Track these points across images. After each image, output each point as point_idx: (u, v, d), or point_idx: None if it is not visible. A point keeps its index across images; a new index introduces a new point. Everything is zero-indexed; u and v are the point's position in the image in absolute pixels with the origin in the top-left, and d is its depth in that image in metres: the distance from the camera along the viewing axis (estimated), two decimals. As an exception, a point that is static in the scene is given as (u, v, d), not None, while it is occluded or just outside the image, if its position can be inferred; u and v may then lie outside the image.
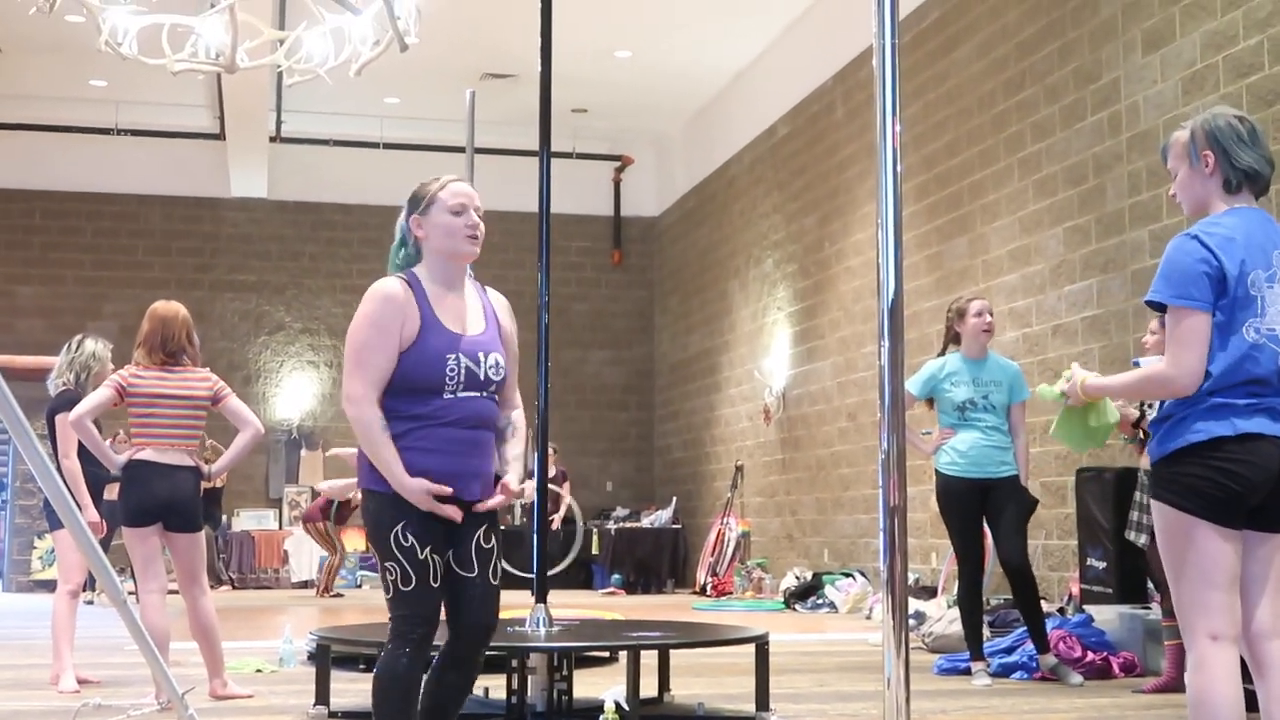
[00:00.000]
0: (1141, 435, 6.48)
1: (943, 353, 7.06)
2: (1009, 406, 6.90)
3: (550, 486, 14.60)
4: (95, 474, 6.45)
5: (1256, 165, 3.26)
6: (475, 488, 3.62)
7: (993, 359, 7.00)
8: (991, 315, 7.03)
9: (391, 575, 3.54)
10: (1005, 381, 6.90)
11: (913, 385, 6.96)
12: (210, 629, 6.00)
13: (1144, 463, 6.47)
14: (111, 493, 6.29)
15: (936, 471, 6.94)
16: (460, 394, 3.61)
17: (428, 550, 3.54)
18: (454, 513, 3.56)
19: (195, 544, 5.97)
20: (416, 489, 3.51)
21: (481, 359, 3.64)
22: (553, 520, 14.54)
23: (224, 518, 16.63)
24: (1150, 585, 7.31)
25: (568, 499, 15.08)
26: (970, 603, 6.84)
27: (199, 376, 5.97)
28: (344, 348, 3.69)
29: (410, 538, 3.54)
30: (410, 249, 3.79)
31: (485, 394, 3.66)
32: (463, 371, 3.61)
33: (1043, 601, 8.87)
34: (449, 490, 3.53)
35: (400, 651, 3.53)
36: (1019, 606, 6.91)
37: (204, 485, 6.15)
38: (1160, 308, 3.20)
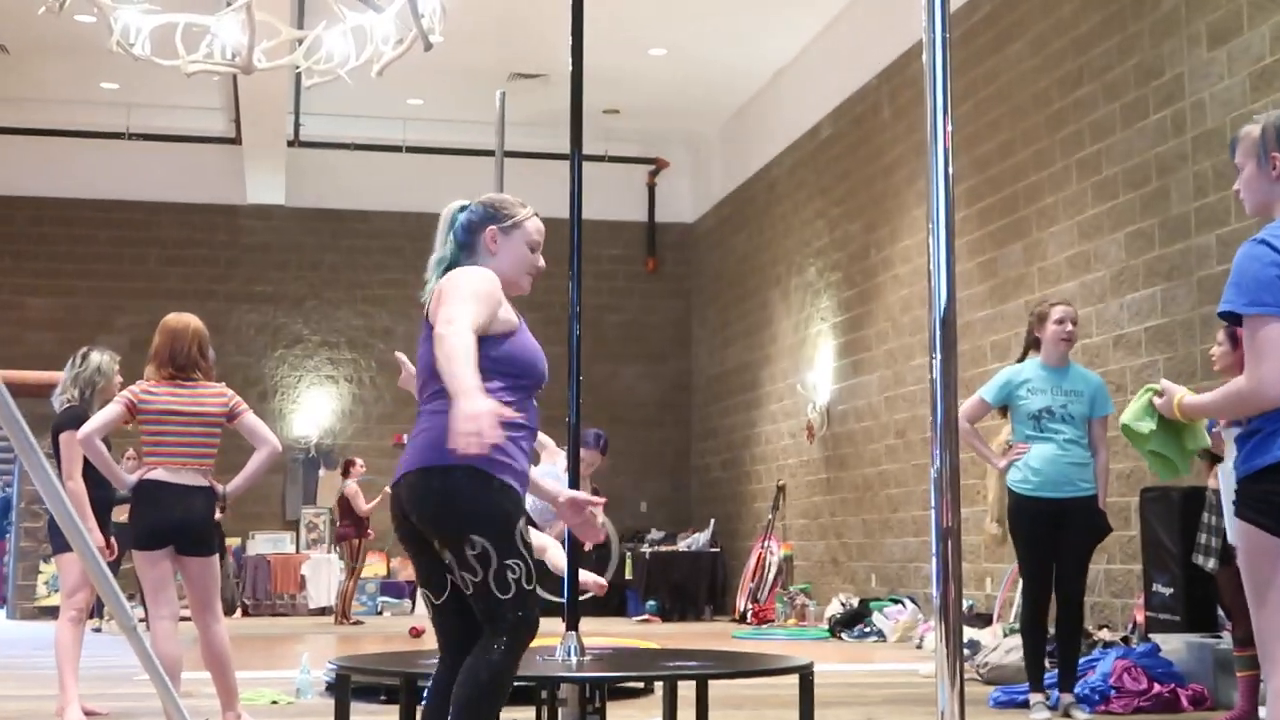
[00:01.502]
0: (1210, 453, 6.41)
1: (1022, 358, 6.97)
2: (1090, 420, 6.79)
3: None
4: (102, 496, 6.47)
5: None
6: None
7: (1074, 369, 6.91)
8: (1075, 324, 6.91)
9: (515, 574, 3.56)
10: (1087, 393, 6.78)
11: (987, 392, 6.87)
12: (224, 658, 6.02)
13: (1212, 482, 6.42)
14: (121, 514, 6.32)
15: (1009, 490, 6.89)
16: (535, 403, 3.77)
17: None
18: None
19: (208, 568, 5.98)
20: (491, 408, 3.26)
21: None
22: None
23: (236, 543, 16.69)
24: (1221, 613, 7.23)
25: (602, 519, 15.06)
26: (1033, 628, 6.76)
27: (213, 392, 5.98)
28: (443, 296, 3.62)
29: (528, 535, 3.62)
30: (455, 255, 3.84)
31: None
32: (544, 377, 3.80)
33: (1105, 629, 8.83)
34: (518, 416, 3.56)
35: (518, 654, 3.59)
36: (1057, 634, 6.85)
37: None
38: (1234, 319, 3.15)
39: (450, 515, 3.58)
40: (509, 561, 3.55)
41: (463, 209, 3.92)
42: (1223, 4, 8.56)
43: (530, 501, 4.08)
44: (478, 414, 3.23)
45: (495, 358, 3.66)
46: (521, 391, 3.72)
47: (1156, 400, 3.70)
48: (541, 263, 3.90)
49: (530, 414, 3.77)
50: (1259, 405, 3.11)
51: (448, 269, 3.85)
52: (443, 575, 3.69)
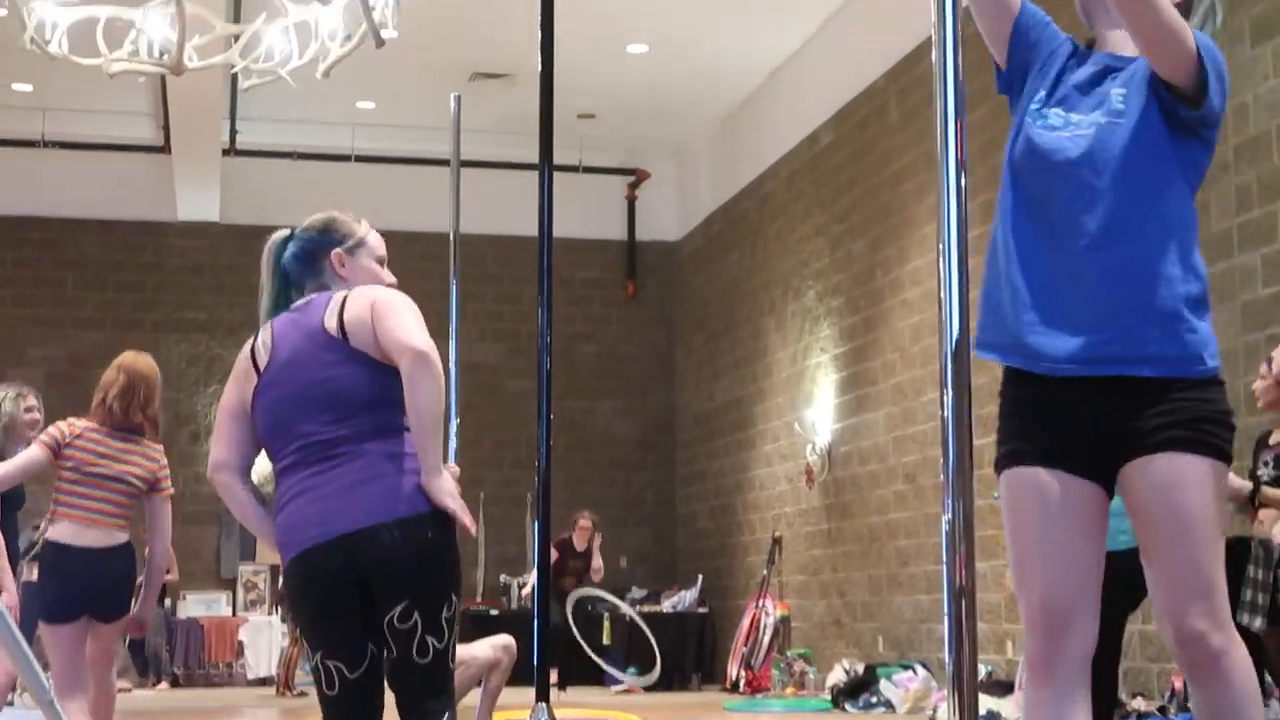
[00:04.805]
0: (1256, 505, 6.44)
1: None
2: None
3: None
4: (15, 546, 6.45)
5: None
6: None
7: None
8: None
9: (457, 635, 3.73)
10: None
11: None
12: (110, 707, 6.03)
13: (1258, 531, 6.45)
14: (30, 572, 6.30)
15: None
16: None
17: None
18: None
19: (119, 628, 6.01)
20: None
21: None
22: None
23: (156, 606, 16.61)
24: (1270, 679, 7.24)
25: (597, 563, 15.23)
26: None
27: (150, 455, 5.99)
28: (390, 313, 3.81)
29: None
30: (287, 292, 3.96)
31: None
32: None
33: (1140, 698, 8.84)
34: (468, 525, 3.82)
35: None
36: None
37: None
38: None
39: (437, 572, 3.65)
40: (453, 624, 3.70)
41: (288, 240, 4.05)
42: (1267, -3, 8.64)
43: None
44: (453, 490, 3.67)
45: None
46: None
47: None
48: (391, 277, 4.08)
49: None
50: None
51: (281, 307, 3.98)
52: (363, 644, 3.71)
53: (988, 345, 3.23)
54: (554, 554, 14.66)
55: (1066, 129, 3.23)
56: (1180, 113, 3.17)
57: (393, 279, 4.06)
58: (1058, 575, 3.13)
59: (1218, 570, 3.16)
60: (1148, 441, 3.12)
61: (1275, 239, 8.47)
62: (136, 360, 6.08)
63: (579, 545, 15.06)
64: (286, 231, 4.07)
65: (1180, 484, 3.10)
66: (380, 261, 4.06)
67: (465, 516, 3.63)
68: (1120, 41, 3.31)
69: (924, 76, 12.51)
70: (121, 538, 5.91)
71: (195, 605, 17.22)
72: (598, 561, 15.08)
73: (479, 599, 16.85)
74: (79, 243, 17.85)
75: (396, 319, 3.71)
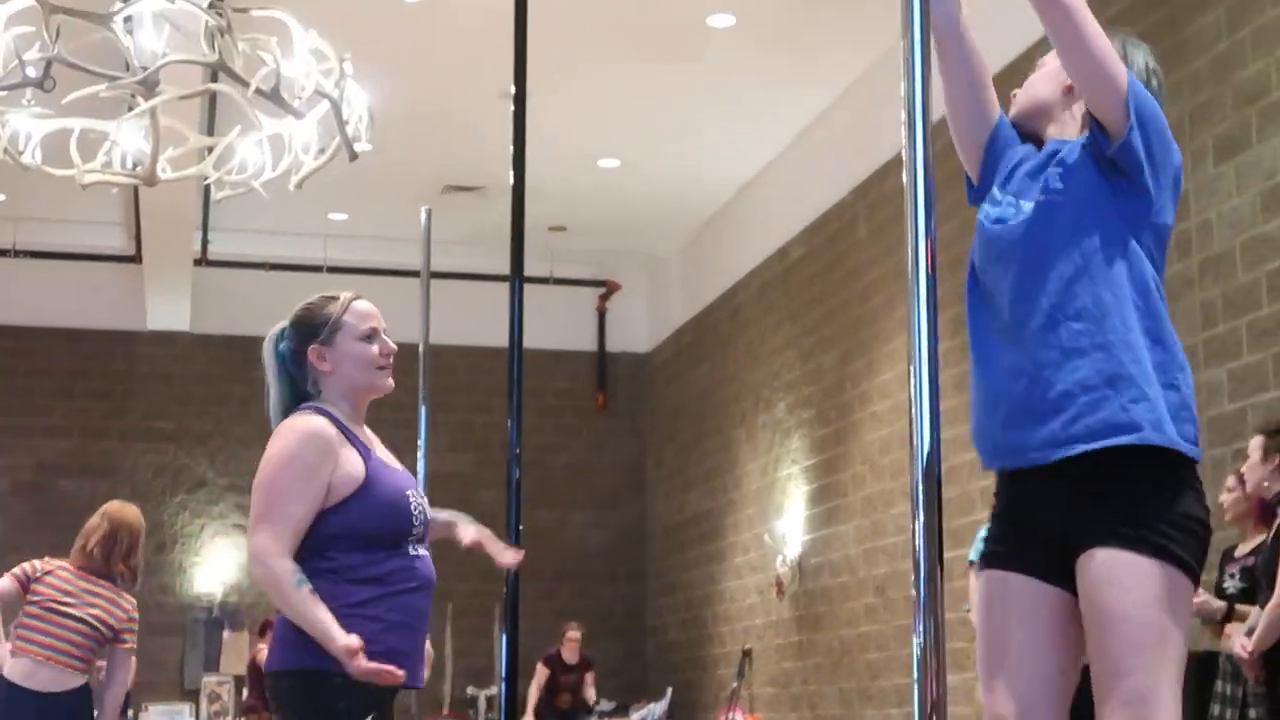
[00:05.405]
0: (1222, 619, 6.43)
1: None
2: None
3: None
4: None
5: None
6: (421, 671, 3.68)
7: None
8: None
9: None
10: None
11: (973, 552, 6.87)
12: None
13: (1225, 646, 6.42)
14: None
15: None
16: (417, 549, 3.66)
17: None
18: (399, 676, 3.51)
19: None
20: (363, 659, 3.43)
21: (425, 507, 3.75)
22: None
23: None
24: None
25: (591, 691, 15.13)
26: None
27: (123, 606, 5.94)
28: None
29: None
30: (293, 390, 3.84)
31: (427, 550, 3.75)
32: (422, 520, 3.69)
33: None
34: (400, 675, 3.50)
35: None
36: None
37: None
38: None
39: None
40: None
41: (282, 336, 3.93)
42: (1230, 115, 8.75)
43: None
44: (350, 652, 3.39)
45: (336, 532, 3.62)
46: (382, 550, 3.63)
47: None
48: (388, 346, 3.90)
49: (420, 565, 3.70)
50: None
51: (289, 409, 3.86)
52: None
53: (978, 450, 3.23)
54: (545, 673, 14.53)
55: (1011, 216, 3.23)
56: (1105, 149, 3.11)
57: (389, 347, 3.90)
58: (1018, 684, 3.00)
59: (1153, 682, 2.87)
60: (1089, 534, 2.99)
61: (1240, 354, 8.52)
62: (123, 510, 6.06)
63: (569, 659, 14.93)
64: (283, 324, 3.96)
65: (1111, 581, 2.91)
66: (369, 335, 3.87)
67: (383, 679, 3.47)
68: (1060, 132, 3.32)
69: (892, 192, 12.64)
70: (77, 681, 5.82)
71: (158, 717, 16.96)
72: (591, 693, 14.98)
73: (445, 711, 16.66)
74: (48, 351, 17.78)
75: (255, 501, 3.67)
